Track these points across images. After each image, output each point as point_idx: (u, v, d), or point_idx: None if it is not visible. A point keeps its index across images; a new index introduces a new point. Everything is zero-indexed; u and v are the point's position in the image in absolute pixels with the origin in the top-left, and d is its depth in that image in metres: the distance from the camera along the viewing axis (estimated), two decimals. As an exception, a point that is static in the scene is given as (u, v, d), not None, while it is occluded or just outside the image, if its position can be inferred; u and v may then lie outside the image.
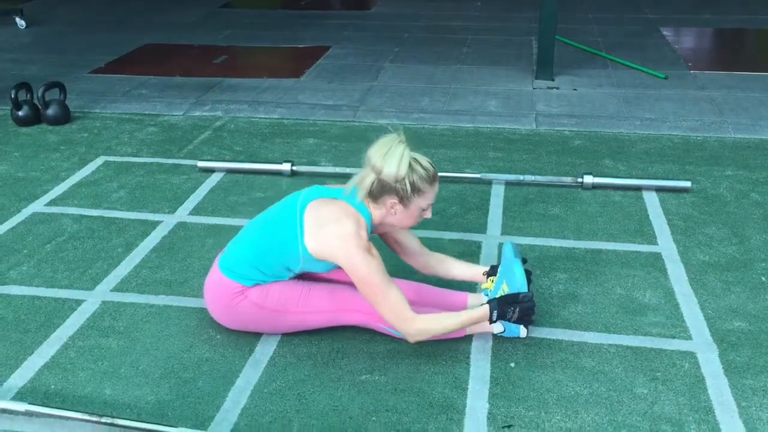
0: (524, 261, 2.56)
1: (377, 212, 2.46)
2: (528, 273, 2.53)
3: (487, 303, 2.44)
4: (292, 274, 2.53)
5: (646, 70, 5.69)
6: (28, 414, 2.24)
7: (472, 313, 2.42)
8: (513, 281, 2.48)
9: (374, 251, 2.37)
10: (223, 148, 4.39)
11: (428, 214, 2.52)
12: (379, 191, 2.40)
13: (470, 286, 2.88)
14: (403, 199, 2.41)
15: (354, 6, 8.55)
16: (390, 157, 2.34)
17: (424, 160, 2.41)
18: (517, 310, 2.39)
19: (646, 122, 4.67)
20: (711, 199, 3.65)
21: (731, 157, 4.17)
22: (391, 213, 2.45)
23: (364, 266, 2.32)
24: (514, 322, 2.44)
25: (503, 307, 2.40)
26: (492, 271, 2.68)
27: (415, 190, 2.39)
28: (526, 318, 2.44)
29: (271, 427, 2.23)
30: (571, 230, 3.36)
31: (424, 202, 2.45)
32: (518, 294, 2.42)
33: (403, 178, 2.35)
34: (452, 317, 2.42)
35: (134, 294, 2.91)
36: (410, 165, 2.35)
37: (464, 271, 2.76)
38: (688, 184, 3.71)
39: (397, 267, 2.75)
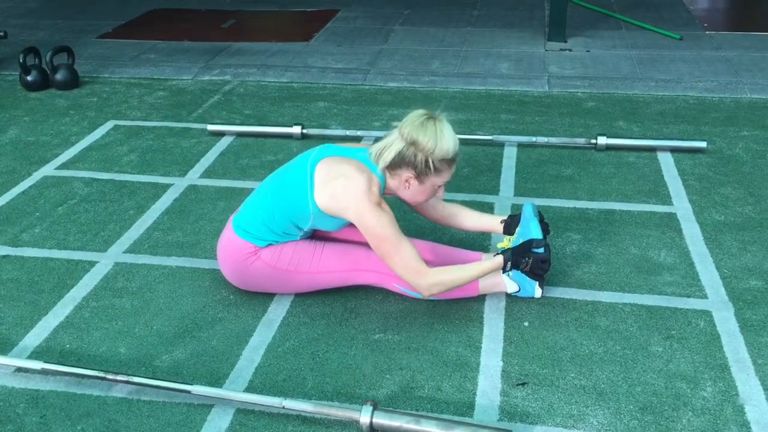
0: (542, 220, 2.53)
1: (391, 182, 2.43)
2: (545, 227, 2.50)
3: (500, 253, 2.41)
4: (302, 232, 2.51)
5: (661, 31, 5.59)
6: (44, 372, 2.26)
7: (485, 264, 2.39)
8: (528, 236, 2.45)
9: (385, 206, 2.35)
10: (232, 111, 4.36)
11: (442, 193, 2.49)
12: (398, 163, 2.36)
13: (484, 247, 2.87)
14: (420, 176, 2.38)
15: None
16: (425, 131, 2.31)
17: (450, 139, 2.35)
18: (531, 260, 2.37)
19: (661, 83, 4.60)
20: (727, 160, 3.60)
21: (747, 117, 4.11)
22: (404, 186, 2.42)
23: (374, 220, 2.30)
24: (528, 272, 2.42)
25: (517, 257, 2.37)
26: (510, 222, 2.63)
27: (435, 168, 2.35)
28: (540, 269, 2.40)
29: (285, 384, 2.23)
30: (584, 191, 3.33)
31: (440, 180, 2.42)
32: (531, 241, 2.39)
33: (429, 156, 2.32)
34: (465, 269, 2.39)
35: (147, 255, 2.91)
36: (437, 141, 2.31)
37: (479, 220, 2.70)
38: (703, 144, 3.66)
39: (410, 227, 2.74)
